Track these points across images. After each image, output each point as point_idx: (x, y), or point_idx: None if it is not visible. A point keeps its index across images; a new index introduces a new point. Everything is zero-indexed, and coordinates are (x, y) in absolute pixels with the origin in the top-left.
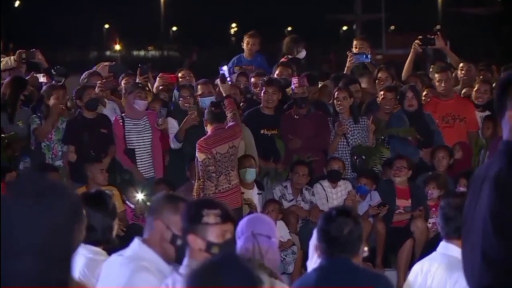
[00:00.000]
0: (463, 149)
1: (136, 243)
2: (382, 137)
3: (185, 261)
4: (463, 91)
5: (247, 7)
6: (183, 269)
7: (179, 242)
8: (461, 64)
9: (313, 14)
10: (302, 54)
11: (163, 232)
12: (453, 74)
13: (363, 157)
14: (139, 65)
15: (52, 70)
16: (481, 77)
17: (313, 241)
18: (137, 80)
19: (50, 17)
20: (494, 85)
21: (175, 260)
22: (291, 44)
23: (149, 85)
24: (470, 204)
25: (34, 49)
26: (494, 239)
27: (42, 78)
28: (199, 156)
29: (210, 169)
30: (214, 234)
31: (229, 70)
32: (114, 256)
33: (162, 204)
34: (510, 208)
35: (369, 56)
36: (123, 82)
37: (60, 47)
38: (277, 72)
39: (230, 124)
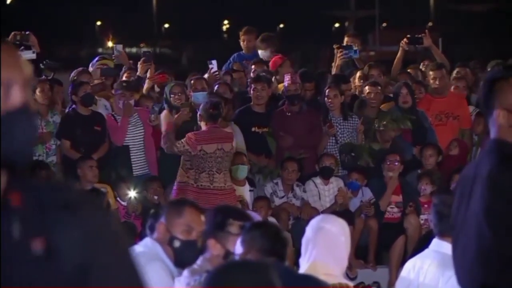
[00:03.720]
0: (460, 146)
1: (148, 240)
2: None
3: (199, 260)
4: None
5: (239, 4)
6: (195, 267)
7: (176, 244)
8: (457, 69)
9: (306, 10)
10: (263, 54)
11: (164, 234)
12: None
13: (352, 154)
14: (143, 51)
15: (41, 64)
16: (477, 74)
17: (306, 238)
18: (138, 66)
19: (43, 13)
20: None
21: (174, 263)
22: (258, 44)
23: (148, 73)
24: (459, 205)
25: (28, 32)
26: (490, 237)
27: (29, 54)
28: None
29: (187, 163)
30: (234, 244)
31: (227, 66)
32: None
33: (166, 207)
34: (505, 205)
35: (357, 52)
36: (124, 76)
37: (53, 44)
38: (252, 68)
39: (227, 129)
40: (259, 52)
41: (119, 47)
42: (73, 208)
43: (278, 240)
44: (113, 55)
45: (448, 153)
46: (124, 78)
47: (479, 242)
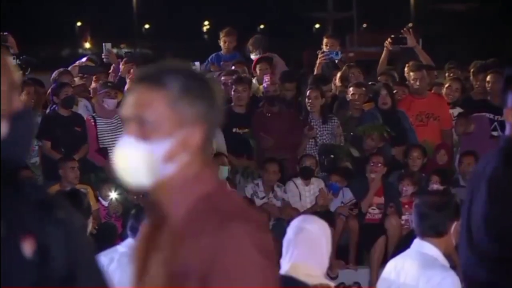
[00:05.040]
0: (448, 154)
1: (131, 241)
2: (352, 134)
3: None
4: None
5: (219, 5)
6: None
7: None
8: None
9: (286, 12)
10: (254, 57)
11: None
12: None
13: (332, 156)
14: (124, 51)
15: (18, 60)
16: (451, 74)
17: (287, 239)
18: (120, 66)
19: (23, 13)
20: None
21: None
22: (249, 48)
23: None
24: (470, 201)
25: (6, 33)
26: (485, 237)
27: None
28: None
29: None
30: None
31: (205, 67)
32: (108, 252)
33: None
34: (502, 208)
35: (339, 53)
36: (93, 79)
37: (33, 44)
38: (233, 68)
39: None
40: (251, 55)
41: (108, 46)
42: (50, 207)
43: None
44: (103, 54)
45: (435, 160)
46: (93, 84)
47: (476, 241)
